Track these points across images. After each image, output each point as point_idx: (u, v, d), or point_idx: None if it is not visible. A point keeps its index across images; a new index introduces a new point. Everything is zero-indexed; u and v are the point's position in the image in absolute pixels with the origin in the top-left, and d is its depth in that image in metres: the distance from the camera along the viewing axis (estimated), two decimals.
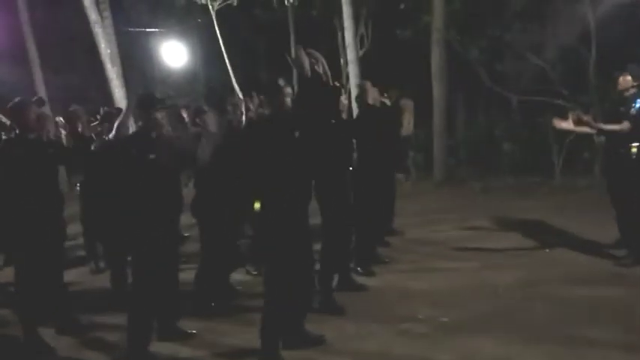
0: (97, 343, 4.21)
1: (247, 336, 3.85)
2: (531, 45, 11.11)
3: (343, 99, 5.31)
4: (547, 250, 6.01)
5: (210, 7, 12.19)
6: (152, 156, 3.69)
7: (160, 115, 3.78)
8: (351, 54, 11.34)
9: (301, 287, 3.63)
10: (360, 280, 5.19)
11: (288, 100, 3.59)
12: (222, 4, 12.37)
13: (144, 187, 3.67)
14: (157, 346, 3.89)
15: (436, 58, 11.36)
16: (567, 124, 5.57)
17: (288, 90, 3.61)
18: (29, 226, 3.91)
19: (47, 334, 4.14)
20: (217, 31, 12.28)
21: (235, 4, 12.27)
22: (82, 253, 6.43)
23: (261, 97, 3.79)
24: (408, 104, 5.83)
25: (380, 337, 4.02)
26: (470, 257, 5.87)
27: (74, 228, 5.96)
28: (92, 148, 4.48)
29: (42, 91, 13.64)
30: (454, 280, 5.15)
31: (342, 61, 13.46)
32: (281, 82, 3.62)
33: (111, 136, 4.07)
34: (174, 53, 13.79)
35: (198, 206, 4.57)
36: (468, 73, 12.58)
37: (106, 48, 11.35)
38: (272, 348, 3.51)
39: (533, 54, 11.14)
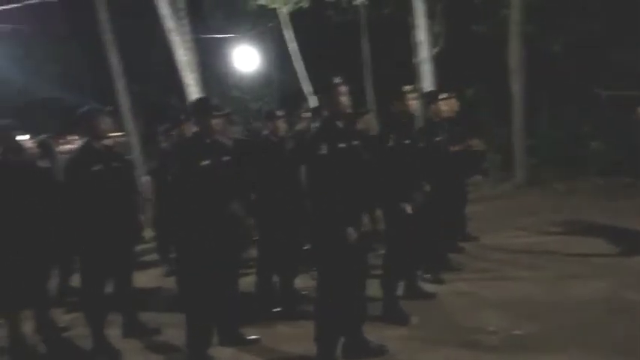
0: (161, 346, 4.29)
1: (309, 343, 3.75)
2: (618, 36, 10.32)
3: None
4: (637, 259, 5.49)
5: (282, 9, 12.28)
6: (206, 162, 3.70)
7: (215, 122, 3.76)
8: (423, 53, 11.04)
9: (355, 294, 3.50)
10: (429, 287, 4.97)
11: (345, 98, 3.47)
12: (295, 8, 12.45)
13: (198, 192, 3.68)
14: (218, 352, 3.91)
15: (514, 53, 10.80)
16: None
17: (344, 88, 3.48)
18: (100, 231, 4.01)
19: (113, 335, 4.28)
20: (287, 35, 12.38)
21: (306, 5, 12.30)
22: (156, 256, 6.65)
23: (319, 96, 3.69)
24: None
25: (445, 349, 3.81)
26: (549, 265, 5.47)
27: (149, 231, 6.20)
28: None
29: (124, 100, 14.38)
30: (530, 290, 4.80)
31: (414, 60, 13.15)
32: (337, 79, 3.50)
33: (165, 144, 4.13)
34: (246, 58, 14.05)
35: (256, 210, 4.56)
36: (551, 68, 11.90)
37: (182, 55, 11.71)
38: (327, 356, 3.40)
39: (621, 45, 10.34)
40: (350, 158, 3.49)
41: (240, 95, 16.15)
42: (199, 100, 4.64)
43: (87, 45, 15.81)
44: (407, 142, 4.33)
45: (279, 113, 4.88)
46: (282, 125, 4.85)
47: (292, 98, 15.35)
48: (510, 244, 6.36)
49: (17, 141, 4.25)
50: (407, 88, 4.41)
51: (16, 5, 12.15)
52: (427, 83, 11.13)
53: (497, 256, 5.96)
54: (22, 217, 4.06)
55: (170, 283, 5.71)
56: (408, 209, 4.26)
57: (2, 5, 11.90)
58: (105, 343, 4.11)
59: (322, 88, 3.60)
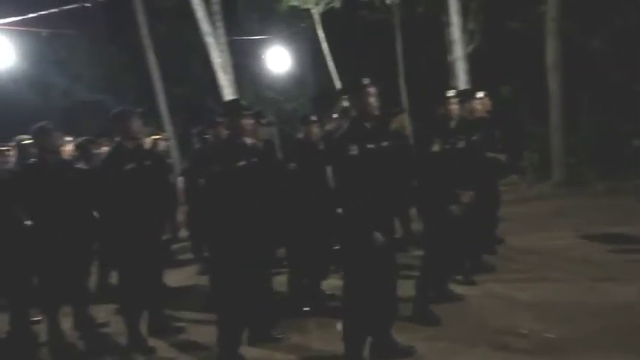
0: (191, 344, 4.37)
1: (338, 343, 3.73)
2: None
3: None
4: None
5: (314, 10, 12.32)
6: (242, 163, 3.76)
7: (245, 122, 3.81)
8: (458, 51, 10.92)
9: (383, 295, 3.50)
10: (460, 289, 4.92)
11: (373, 99, 3.47)
12: (327, 8, 12.48)
13: (233, 193, 3.74)
14: (248, 351, 3.96)
15: (551, 50, 10.57)
16: None
17: (373, 89, 3.48)
18: (132, 228, 4.11)
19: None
20: (320, 36, 12.42)
21: (338, 5, 12.31)
22: (190, 255, 6.79)
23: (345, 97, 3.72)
24: None
25: (475, 351, 3.78)
26: (584, 268, 5.33)
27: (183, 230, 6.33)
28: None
29: (162, 102, 14.68)
30: (564, 293, 4.70)
31: (449, 58, 13.00)
32: (366, 80, 3.50)
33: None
34: (279, 59, 14.13)
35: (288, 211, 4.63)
36: (590, 65, 11.58)
37: (217, 57, 11.90)
38: (354, 356, 3.42)
39: None
40: (378, 159, 3.49)
41: (274, 96, 16.25)
42: (229, 101, 4.72)
43: (126, 48, 16.22)
44: (449, 145, 4.34)
45: (313, 118, 4.97)
46: (315, 130, 4.95)
47: (326, 99, 15.40)
48: (545, 246, 6.23)
49: (55, 142, 4.38)
50: (450, 92, 4.45)
51: (58, 9, 12.56)
52: (461, 82, 11.00)
53: (531, 259, 5.85)
54: (59, 216, 4.20)
55: (204, 281, 5.86)
56: (456, 211, 4.26)
57: (46, 10, 12.31)
58: (140, 340, 4.23)
59: (351, 88, 3.61)
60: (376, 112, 3.55)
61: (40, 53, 15.28)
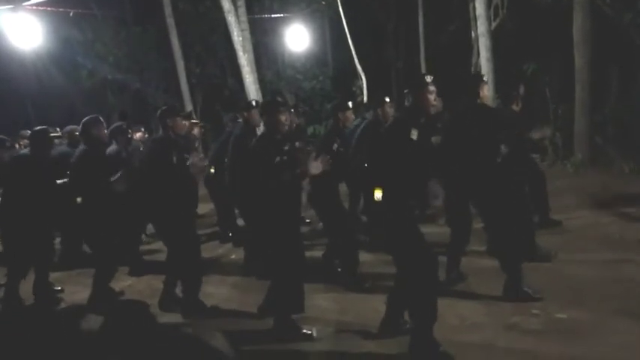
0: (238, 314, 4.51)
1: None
2: None
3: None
4: None
5: None
6: (278, 159, 3.85)
7: (283, 117, 3.96)
8: (482, 26, 10.68)
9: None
10: (478, 263, 4.91)
11: (432, 97, 3.50)
12: None
13: (272, 186, 3.84)
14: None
15: (579, 24, 10.22)
16: None
17: (433, 88, 3.50)
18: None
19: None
20: (340, 13, 12.28)
21: None
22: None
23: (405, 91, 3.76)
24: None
25: (485, 330, 3.78)
26: (604, 248, 5.26)
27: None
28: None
29: (183, 81, 14.79)
30: (580, 274, 4.65)
31: (472, 34, 12.76)
32: (428, 78, 3.53)
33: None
34: (297, 37, 14.00)
35: (314, 198, 4.94)
36: (622, 40, 11.19)
37: (238, 35, 11.89)
38: (425, 334, 3.43)
39: None
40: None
41: (294, 75, 16.20)
42: (266, 101, 5.08)
43: (151, 28, 16.35)
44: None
45: (350, 105, 5.14)
46: (351, 116, 5.13)
47: (347, 77, 15.31)
48: (565, 226, 6.13)
49: (99, 135, 4.79)
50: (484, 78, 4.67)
51: None
52: (484, 59, 10.80)
53: (548, 238, 5.77)
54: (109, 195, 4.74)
55: (239, 253, 5.97)
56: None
57: None
58: (198, 301, 4.57)
59: (412, 84, 3.62)
60: (432, 111, 3.57)
61: (67, 34, 15.52)
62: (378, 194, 3.38)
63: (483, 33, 10.71)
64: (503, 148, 4.42)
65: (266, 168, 3.80)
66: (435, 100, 3.55)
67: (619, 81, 12.75)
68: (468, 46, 12.45)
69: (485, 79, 4.75)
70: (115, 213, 4.84)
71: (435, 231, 5.30)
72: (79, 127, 4.95)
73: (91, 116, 4.89)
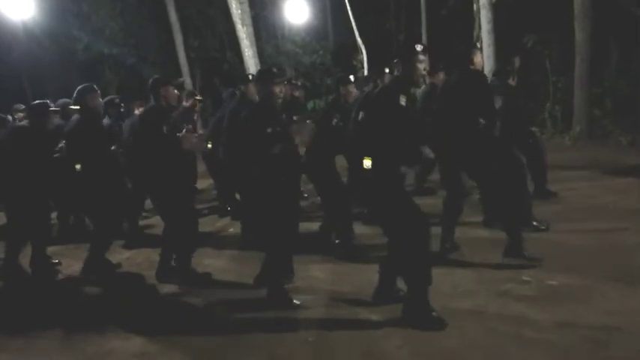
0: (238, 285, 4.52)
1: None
2: None
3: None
4: None
5: None
6: (270, 129, 3.85)
7: (278, 88, 3.94)
8: None
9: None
10: (471, 233, 4.98)
11: (422, 66, 3.46)
12: None
13: (266, 155, 3.85)
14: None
15: None
16: None
17: (422, 57, 3.46)
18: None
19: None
20: None
21: None
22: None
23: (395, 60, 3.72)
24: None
25: (476, 297, 3.82)
26: (599, 218, 5.31)
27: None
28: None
29: (181, 55, 14.65)
30: (574, 241, 4.70)
31: (474, 7, 12.61)
32: (418, 47, 3.48)
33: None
34: (297, 10, 13.83)
35: (311, 171, 5.02)
36: (622, 14, 11.08)
37: (236, 8, 11.78)
38: (420, 298, 3.46)
39: None
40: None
41: (294, 49, 16.03)
42: (261, 70, 4.90)
43: (147, 1, 16.13)
44: None
45: (352, 78, 5.11)
46: (353, 90, 5.08)
47: (347, 51, 15.16)
48: (561, 196, 6.16)
49: (93, 103, 4.80)
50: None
51: None
52: (485, 31, 10.72)
53: (543, 208, 5.80)
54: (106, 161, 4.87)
55: (237, 227, 5.98)
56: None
57: None
58: (194, 274, 4.60)
59: (402, 53, 3.58)
60: (421, 80, 3.57)
61: (62, 6, 15.32)
62: (367, 162, 3.37)
63: (485, 5, 10.63)
64: (482, 122, 4.35)
65: (256, 138, 3.79)
66: (424, 69, 3.51)
67: (618, 54, 12.67)
68: (470, 19, 12.32)
69: (478, 45, 4.72)
70: (114, 181, 4.89)
71: (431, 202, 5.34)
72: (74, 95, 4.89)
73: (85, 84, 4.87)
